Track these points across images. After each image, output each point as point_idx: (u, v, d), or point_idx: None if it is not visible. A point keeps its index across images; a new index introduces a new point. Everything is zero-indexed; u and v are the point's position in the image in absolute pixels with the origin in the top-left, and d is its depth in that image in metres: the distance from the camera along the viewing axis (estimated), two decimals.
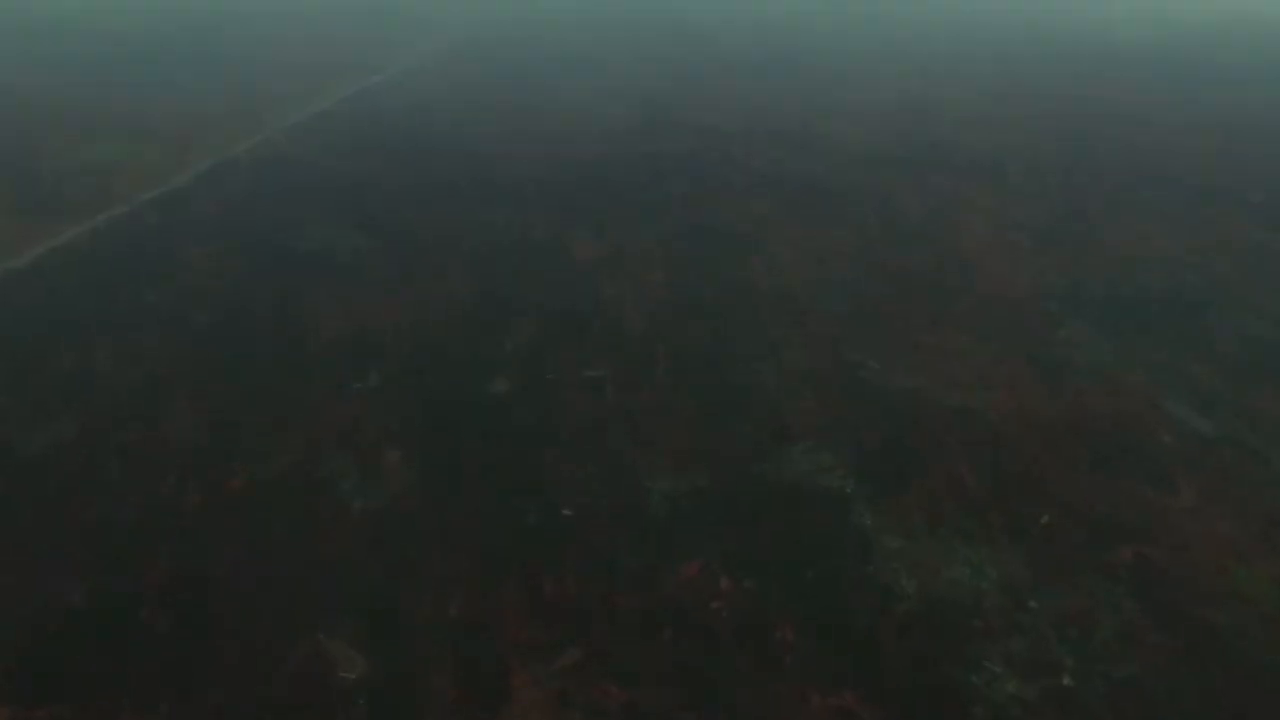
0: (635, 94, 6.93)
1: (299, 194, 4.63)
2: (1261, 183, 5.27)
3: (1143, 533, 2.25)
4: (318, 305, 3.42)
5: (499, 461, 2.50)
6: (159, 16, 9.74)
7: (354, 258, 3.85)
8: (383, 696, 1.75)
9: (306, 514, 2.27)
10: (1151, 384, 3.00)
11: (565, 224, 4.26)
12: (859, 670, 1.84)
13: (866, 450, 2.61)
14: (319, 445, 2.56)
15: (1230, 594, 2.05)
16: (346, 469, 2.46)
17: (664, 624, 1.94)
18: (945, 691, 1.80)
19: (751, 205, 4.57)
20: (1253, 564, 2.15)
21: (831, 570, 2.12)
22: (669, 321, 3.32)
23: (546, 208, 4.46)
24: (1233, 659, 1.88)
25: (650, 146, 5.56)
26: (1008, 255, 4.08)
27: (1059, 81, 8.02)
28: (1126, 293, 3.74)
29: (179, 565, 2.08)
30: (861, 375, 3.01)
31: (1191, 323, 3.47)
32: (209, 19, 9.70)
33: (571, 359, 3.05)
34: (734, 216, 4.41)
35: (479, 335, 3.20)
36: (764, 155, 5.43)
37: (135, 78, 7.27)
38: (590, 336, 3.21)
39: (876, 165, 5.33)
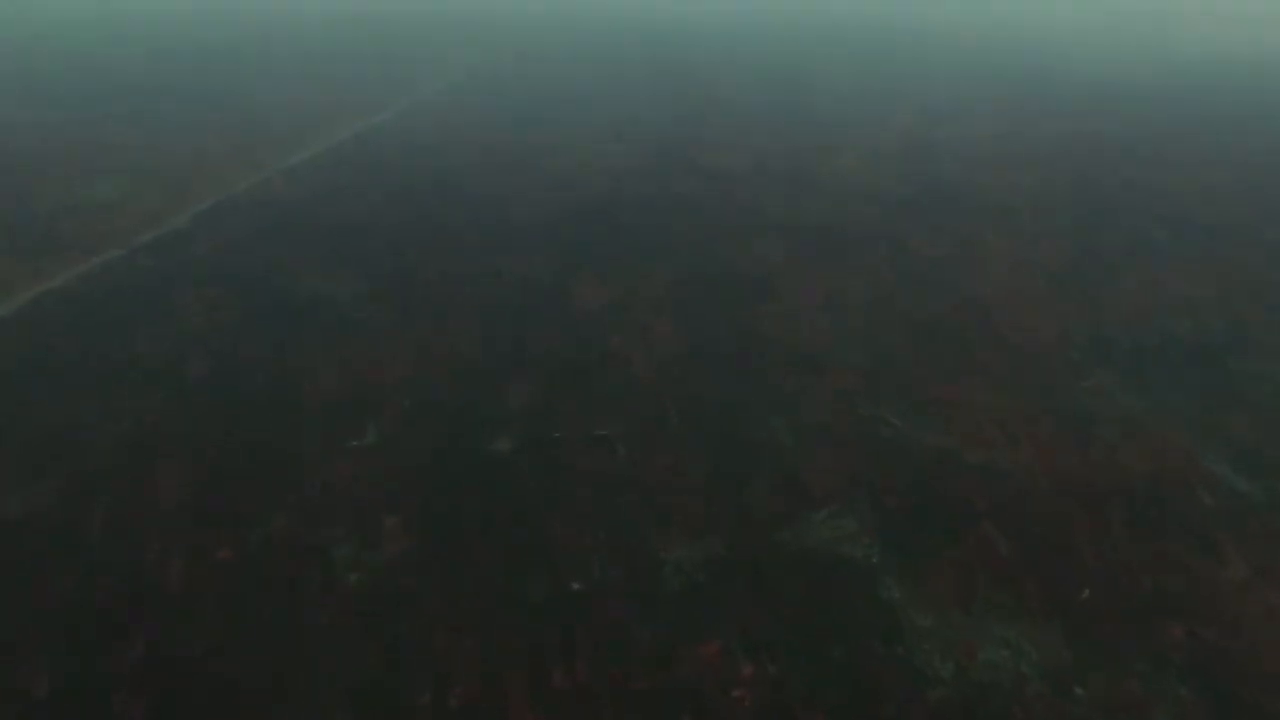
0: (639, 134, 6.88)
1: (298, 237, 4.53)
2: (1276, 219, 5.18)
3: (1192, 608, 2.11)
4: (314, 355, 3.30)
5: (503, 528, 2.36)
6: (163, 53, 9.75)
7: (353, 304, 3.74)
8: None
9: (296, 587, 2.13)
10: (1186, 438, 2.86)
11: (570, 268, 4.15)
12: None
13: (890, 515, 2.47)
14: (312, 509, 2.43)
15: None
16: (341, 535, 2.32)
17: (681, 713, 1.79)
18: None
19: (761, 249, 4.46)
20: None
21: (860, 652, 1.98)
22: (679, 374, 3.20)
23: (551, 251, 4.36)
24: None
25: (656, 188, 5.47)
26: (1026, 301, 3.96)
27: (1059, 120, 7.97)
28: (1150, 340, 3.61)
29: (157, 646, 1.94)
30: (882, 432, 2.88)
31: (1219, 371, 3.34)
32: (210, 56, 9.71)
33: (578, 415, 2.91)
34: (743, 261, 4.30)
35: (482, 388, 3.07)
36: (772, 197, 5.34)
37: (137, 114, 7.22)
38: (597, 390, 3.08)
39: (886, 207, 5.24)
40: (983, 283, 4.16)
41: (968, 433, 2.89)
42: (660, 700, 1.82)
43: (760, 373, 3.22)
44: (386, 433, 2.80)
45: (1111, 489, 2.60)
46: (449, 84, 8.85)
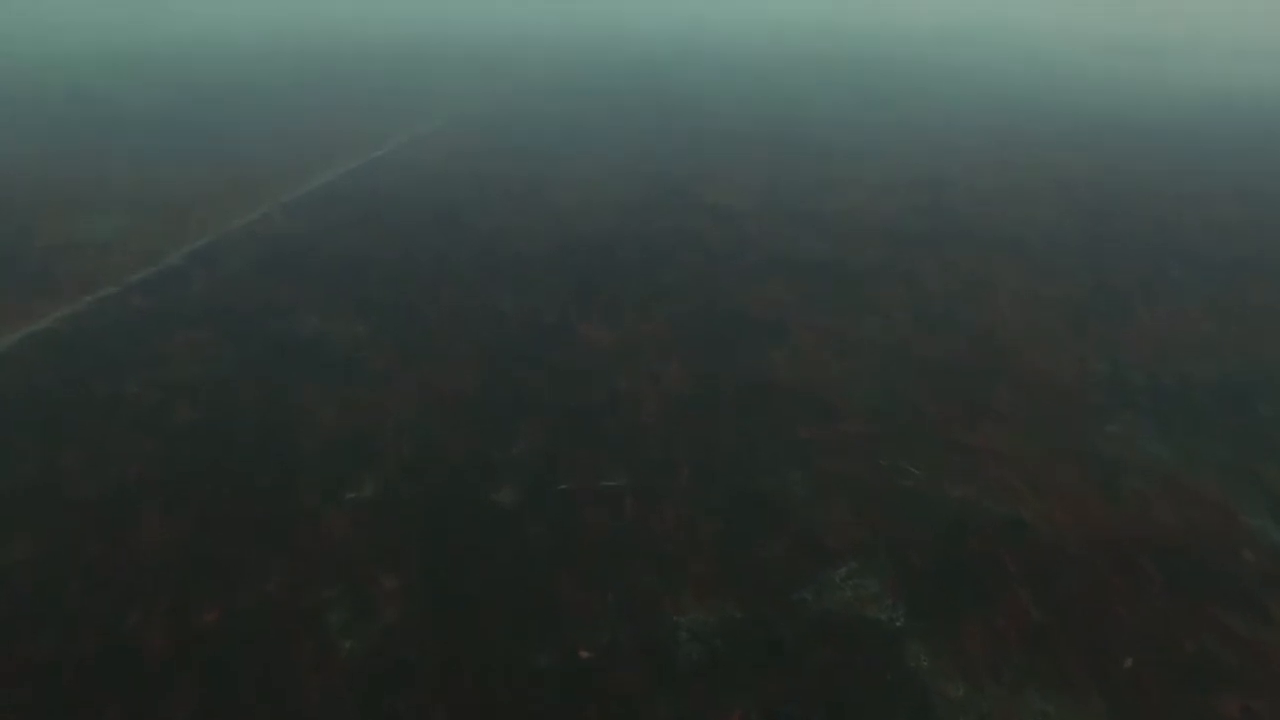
0: (641, 168, 6.81)
1: (295, 274, 4.43)
2: None
3: (1244, 678, 1.97)
4: (310, 399, 3.19)
5: (507, 590, 2.23)
6: (166, 86, 9.73)
7: (351, 346, 3.63)
8: None
9: (286, 656, 1.99)
10: (1219, 489, 2.74)
11: (575, 307, 4.05)
12: None
13: (914, 573, 2.34)
14: (305, 568, 2.30)
15: None
16: (335, 598, 2.19)
17: None
18: None
19: (769, 287, 4.36)
20: None
21: None
22: (689, 420, 3.08)
23: (554, 290, 4.26)
24: None
25: (660, 223, 5.39)
26: (1042, 340, 3.86)
27: (1064, 151, 7.92)
28: (1172, 382, 3.50)
29: (136, 719, 1.80)
30: (901, 482, 2.76)
31: (1247, 414, 3.23)
32: (214, 89, 9.69)
33: (585, 464, 2.79)
34: (751, 300, 4.20)
35: (484, 436, 2.95)
36: (778, 232, 5.25)
37: (136, 148, 7.17)
38: (605, 438, 2.96)
39: (895, 242, 5.16)
40: (996, 321, 4.05)
41: (990, 483, 2.77)
42: None
43: (773, 418, 3.10)
44: (385, 483, 2.68)
45: (1145, 545, 2.47)
46: (450, 117, 8.82)
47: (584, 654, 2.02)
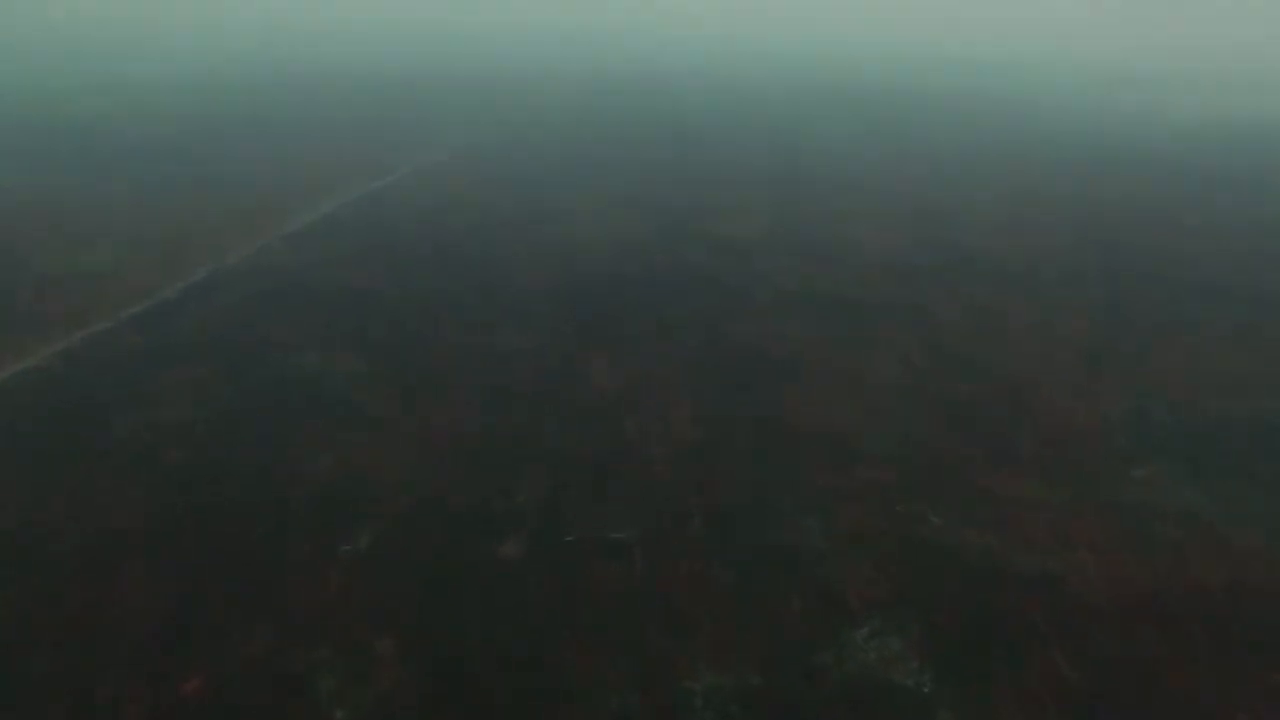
0: (647, 201, 6.74)
1: (294, 309, 4.33)
2: None
3: None
4: (305, 443, 3.07)
5: (510, 653, 2.09)
6: (166, 117, 9.71)
7: (348, 386, 3.52)
8: None
9: None
10: (1261, 540, 2.61)
11: (581, 347, 3.93)
12: None
13: (941, 633, 2.21)
14: (296, 629, 2.17)
15: None
16: (327, 662, 2.06)
17: None
18: None
19: (780, 325, 4.25)
20: None
21: None
22: (700, 467, 2.95)
23: (560, 328, 4.15)
24: None
25: (667, 259, 5.29)
26: (1061, 380, 3.74)
27: (1069, 182, 7.86)
28: (1199, 423, 3.38)
29: None
30: (923, 533, 2.63)
31: None
32: (214, 120, 9.67)
33: (592, 515, 2.67)
34: (763, 338, 4.09)
35: (487, 484, 2.82)
36: (788, 267, 5.16)
37: (136, 179, 7.10)
38: (612, 485, 2.83)
39: (907, 277, 5.06)
40: (1013, 359, 3.94)
41: (1017, 533, 2.64)
42: None
43: (787, 465, 2.98)
44: (382, 535, 2.55)
45: (1186, 602, 2.33)
46: (454, 147, 8.79)
47: None
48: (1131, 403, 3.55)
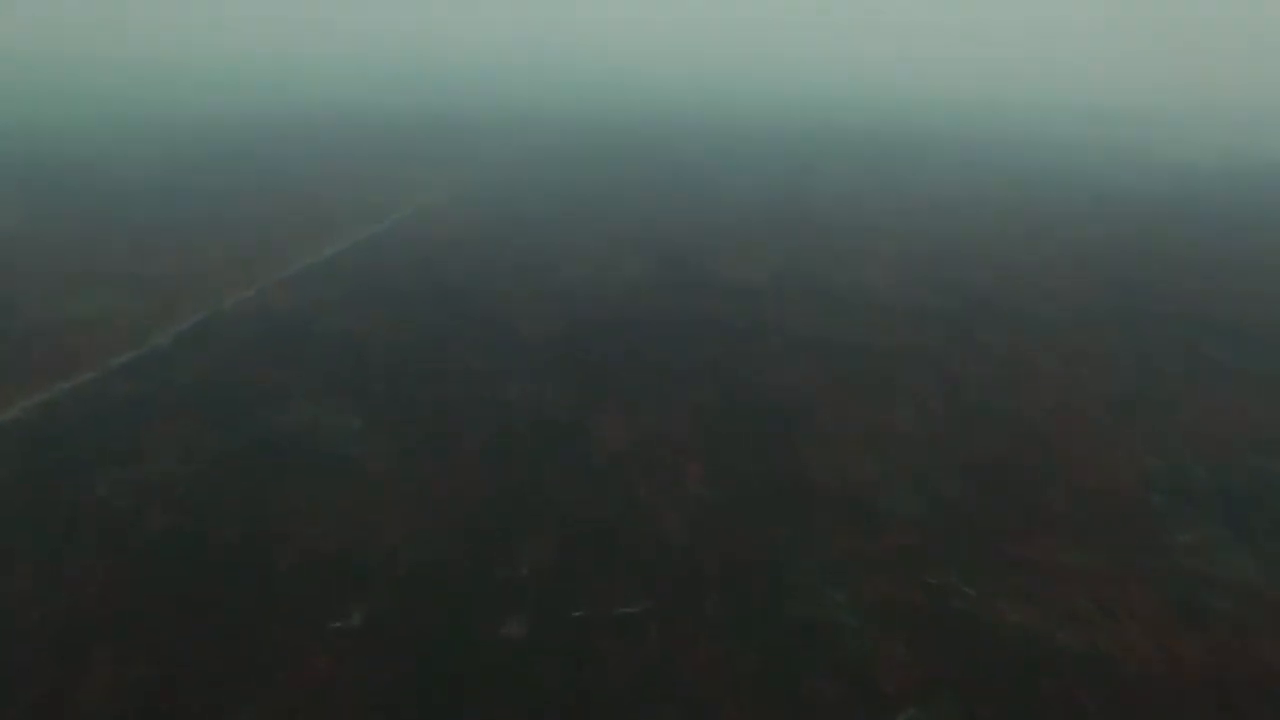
0: (651, 243, 6.61)
1: (289, 359, 4.17)
2: None
3: None
4: (297, 506, 2.89)
5: None
6: (167, 158, 9.63)
7: (343, 442, 3.34)
8: None
9: None
10: None
11: (587, 399, 3.77)
12: None
13: None
14: (280, 718, 1.97)
15: None
16: None
17: None
18: None
19: (793, 375, 4.09)
20: None
21: None
22: (715, 532, 2.77)
23: (565, 377, 3.99)
24: None
25: (674, 303, 5.14)
26: (1090, 433, 3.57)
27: (1077, 223, 7.75)
28: (1243, 481, 3.20)
29: None
30: (957, 607, 2.44)
31: None
32: (214, 160, 9.58)
33: (601, 586, 2.48)
34: (776, 390, 3.92)
35: (488, 553, 2.64)
36: (799, 313, 5.01)
37: (131, 220, 6.98)
38: (623, 552, 2.65)
39: (921, 322, 4.91)
40: (1037, 410, 3.77)
41: (1056, 606, 2.46)
42: None
43: (809, 530, 2.79)
44: (376, 611, 2.36)
45: (1251, 686, 2.14)
46: (456, 187, 8.70)
47: None
48: (1167, 457, 3.38)
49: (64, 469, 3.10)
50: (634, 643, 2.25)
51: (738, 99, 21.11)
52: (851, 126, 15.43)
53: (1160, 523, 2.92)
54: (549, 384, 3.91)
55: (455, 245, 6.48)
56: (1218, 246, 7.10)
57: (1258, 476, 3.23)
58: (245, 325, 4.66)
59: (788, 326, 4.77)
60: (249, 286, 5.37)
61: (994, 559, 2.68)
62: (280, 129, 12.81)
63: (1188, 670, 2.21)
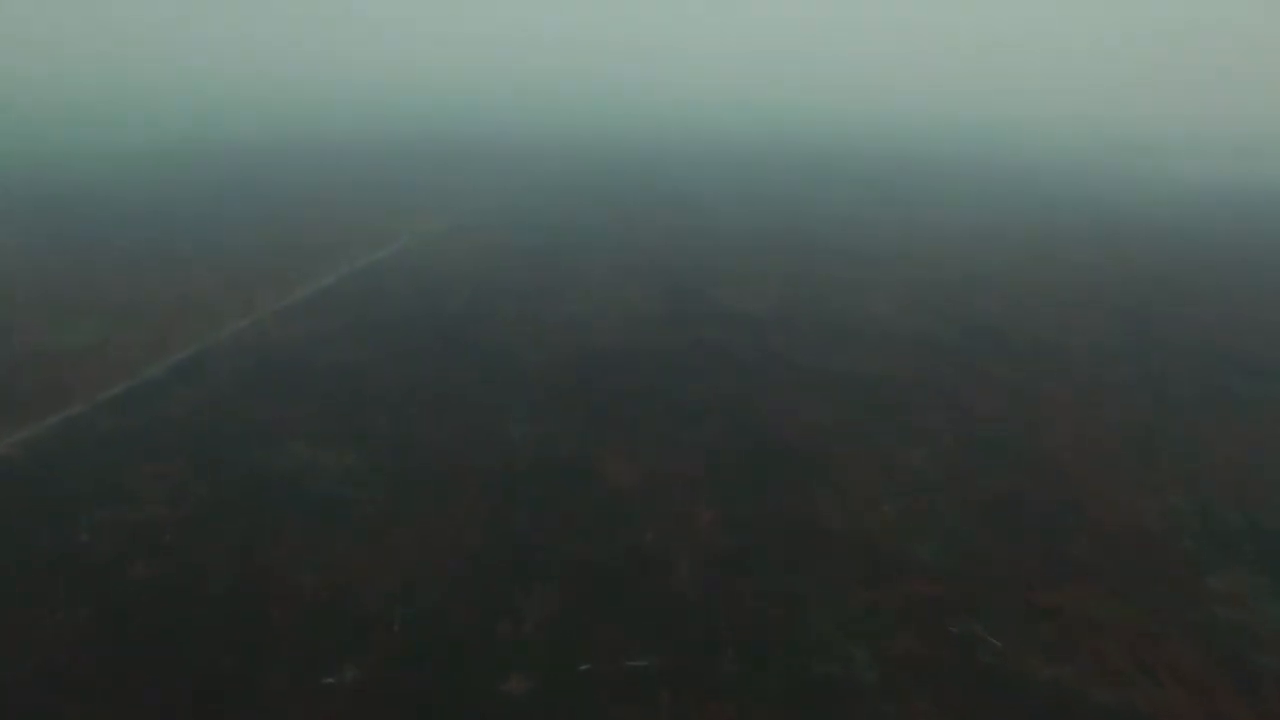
0: (655, 274, 6.51)
1: (284, 394, 4.05)
2: None
3: None
4: (290, 552, 2.76)
5: None
6: (164, 185, 9.57)
7: (339, 484, 3.22)
8: None
9: None
10: None
11: (592, 437, 3.64)
12: None
13: None
14: None
15: None
16: None
17: None
18: None
19: (805, 411, 3.97)
20: None
21: None
22: (729, 581, 2.64)
23: (570, 415, 3.86)
24: None
25: (681, 337, 5.03)
26: (1112, 472, 3.45)
27: (1087, 249, 7.67)
28: (1273, 522, 3.08)
29: None
30: (984, 662, 2.31)
31: None
32: (213, 188, 9.52)
33: (608, 640, 2.35)
34: (787, 427, 3.80)
35: (490, 604, 2.51)
36: (807, 346, 4.89)
37: (126, 249, 6.89)
38: (631, 602, 2.52)
39: (932, 354, 4.80)
40: (1056, 448, 3.66)
41: (1089, 660, 2.33)
42: None
43: (825, 578, 2.67)
44: (371, 666, 2.23)
45: None
46: (456, 215, 8.62)
47: None
48: (1193, 498, 3.26)
49: (46, 512, 2.97)
50: (644, 700, 2.12)
51: (752, 124, 21.15)
52: (861, 152, 15.42)
53: (1192, 568, 2.79)
54: (553, 420, 3.79)
55: (457, 273, 6.38)
56: (1218, 274, 7.01)
57: None
58: (241, 357, 4.55)
59: (794, 358, 4.66)
60: (245, 317, 5.27)
61: (1020, 608, 2.55)
62: (274, 155, 12.78)
63: None
